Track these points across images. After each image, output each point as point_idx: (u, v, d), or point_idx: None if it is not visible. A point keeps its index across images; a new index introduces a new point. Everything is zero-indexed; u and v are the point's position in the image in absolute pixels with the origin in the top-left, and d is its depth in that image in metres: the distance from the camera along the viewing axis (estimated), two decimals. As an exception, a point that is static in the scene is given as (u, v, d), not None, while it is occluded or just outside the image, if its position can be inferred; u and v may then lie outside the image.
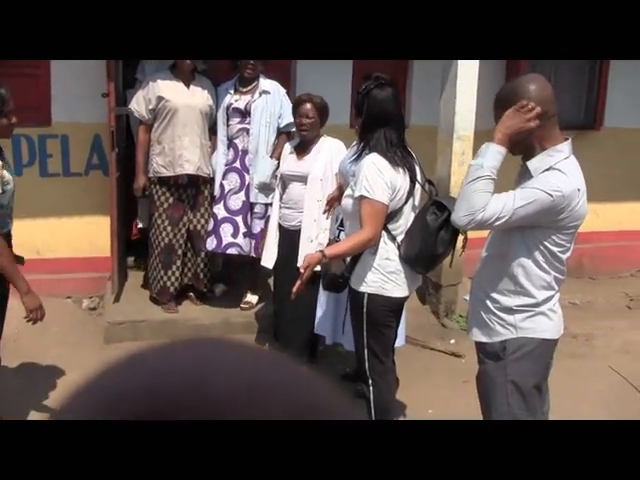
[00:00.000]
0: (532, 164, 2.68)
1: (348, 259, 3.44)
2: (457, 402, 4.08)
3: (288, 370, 0.51)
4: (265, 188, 4.99)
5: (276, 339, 4.86)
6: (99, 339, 5.02)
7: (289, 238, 4.47)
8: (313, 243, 4.31)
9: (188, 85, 5.06)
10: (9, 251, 3.49)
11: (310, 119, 4.32)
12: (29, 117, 5.41)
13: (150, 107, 5.00)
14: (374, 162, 3.27)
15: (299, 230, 4.42)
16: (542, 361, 2.88)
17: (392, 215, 3.36)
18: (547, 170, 2.64)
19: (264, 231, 4.94)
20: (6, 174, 3.47)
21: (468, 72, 5.15)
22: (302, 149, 4.46)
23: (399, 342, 3.98)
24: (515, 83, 2.77)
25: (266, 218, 4.99)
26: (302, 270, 3.26)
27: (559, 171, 2.62)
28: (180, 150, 5.02)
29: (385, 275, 3.38)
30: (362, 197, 3.25)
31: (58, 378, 4.49)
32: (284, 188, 4.55)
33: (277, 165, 4.79)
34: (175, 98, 4.99)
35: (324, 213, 4.17)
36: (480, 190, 2.63)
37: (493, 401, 2.88)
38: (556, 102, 2.70)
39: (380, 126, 3.33)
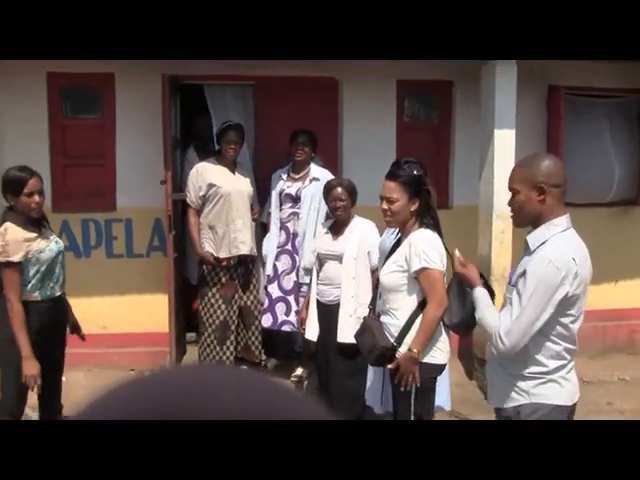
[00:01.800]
0: (530, 238, 2.88)
1: (391, 331, 3.64)
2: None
3: (269, 387, 0.55)
4: (310, 270, 5.36)
5: None
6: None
7: (326, 313, 4.76)
8: (352, 317, 4.58)
9: (233, 171, 5.50)
10: (21, 317, 3.87)
11: (343, 202, 4.64)
12: (97, 203, 5.98)
13: (200, 194, 5.43)
14: (427, 236, 3.56)
15: (335, 305, 4.69)
16: None
17: None
18: (543, 244, 2.81)
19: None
20: (42, 244, 3.96)
21: (505, 153, 5.38)
22: (336, 230, 4.76)
23: (446, 406, 4.15)
24: (533, 156, 3.01)
25: None
26: (407, 379, 3.54)
27: (553, 243, 2.80)
28: (235, 233, 5.43)
29: (434, 344, 3.60)
30: (423, 269, 3.50)
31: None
32: (320, 266, 4.84)
33: None
34: (225, 184, 5.41)
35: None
36: (486, 317, 2.93)
37: None
38: (566, 181, 2.89)
39: (429, 206, 3.65)
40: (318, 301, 4.89)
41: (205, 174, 5.45)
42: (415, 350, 3.52)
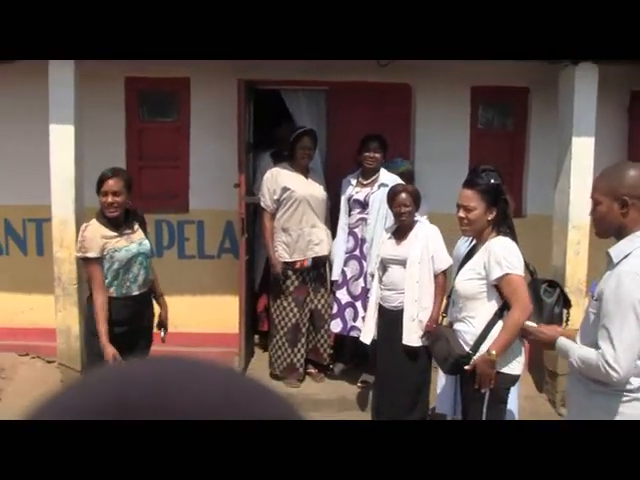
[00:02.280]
0: (613, 251, 2.82)
1: (467, 339, 3.68)
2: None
3: (244, 384, 0.56)
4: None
5: (376, 413, 5.16)
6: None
7: (390, 318, 4.78)
8: (415, 321, 4.64)
9: (306, 177, 5.59)
10: (100, 308, 4.05)
11: (407, 207, 4.67)
12: (170, 204, 6.12)
13: (275, 197, 5.52)
14: (506, 243, 3.57)
15: (399, 310, 4.72)
16: None
17: None
18: (626, 257, 2.76)
19: None
20: (119, 243, 4.11)
21: (583, 162, 5.31)
22: (400, 234, 4.79)
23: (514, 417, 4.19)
24: (617, 166, 2.98)
25: None
26: (485, 381, 3.56)
27: (638, 256, 2.74)
28: (310, 236, 5.52)
29: (509, 354, 3.60)
30: (505, 275, 3.50)
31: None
32: (384, 271, 4.86)
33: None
34: (299, 188, 5.50)
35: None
36: (584, 359, 2.83)
37: None
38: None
39: (506, 215, 3.66)
40: (381, 306, 4.92)
41: (280, 178, 5.54)
42: (494, 352, 3.52)
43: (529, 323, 3.33)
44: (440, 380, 4.56)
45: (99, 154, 5.52)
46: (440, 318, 4.34)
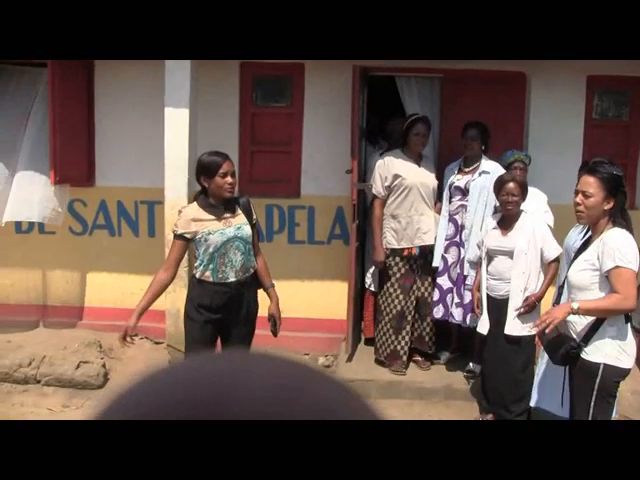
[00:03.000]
0: None
1: (577, 330, 3.73)
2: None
3: (310, 378, 0.55)
4: (474, 262, 5.41)
5: (487, 401, 5.24)
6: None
7: (497, 307, 4.87)
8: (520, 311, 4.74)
9: (418, 164, 5.66)
10: (157, 284, 4.20)
11: (515, 197, 4.72)
12: (281, 189, 6.27)
13: (386, 184, 5.62)
14: (623, 235, 3.61)
15: (505, 299, 4.81)
16: None
17: None
18: None
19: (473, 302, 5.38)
20: (214, 226, 4.20)
21: None
22: (505, 225, 4.85)
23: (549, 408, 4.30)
24: None
25: None
26: (548, 320, 3.61)
27: None
28: (418, 224, 5.60)
29: (621, 346, 3.65)
30: (616, 267, 3.53)
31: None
32: (489, 261, 4.94)
33: None
34: (410, 176, 5.58)
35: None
36: None
37: None
38: None
39: (623, 208, 3.71)
40: (488, 295, 4.99)
41: (391, 165, 5.63)
42: (577, 305, 3.57)
43: None
44: (545, 373, 4.63)
45: (213, 138, 5.70)
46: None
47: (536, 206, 5.12)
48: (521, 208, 4.85)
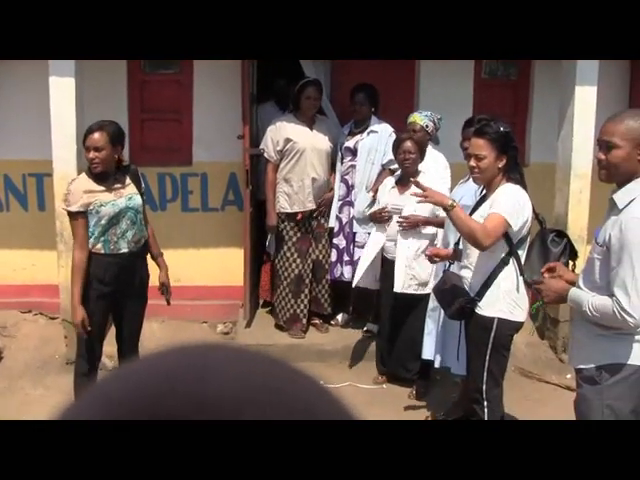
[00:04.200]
0: (617, 197, 2.98)
1: (471, 285, 3.90)
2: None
3: (283, 373, 0.55)
4: (363, 219, 5.66)
5: (382, 363, 5.50)
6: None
7: (391, 268, 5.05)
8: (407, 268, 4.95)
9: (311, 127, 5.79)
10: (78, 265, 4.21)
11: (412, 154, 4.90)
12: (173, 158, 6.33)
13: (278, 148, 5.74)
14: (514, 191, 3.77)
15: None
16: (638, 387, 3.08)
17: (522, 241, 3.83)
18: (631, 202, 2.93)
19: None
20: (105, 197, 4.21)
21: (586, 110, 5.53)
22: (404, 183, 5.01)
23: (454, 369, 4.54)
24: (636, 112, 3.14)
25: None
26: (429, 195, 3.74)
27: None
28: (309, 188, 5.76)
29: (514, 300, 3.84)
30: (495, 213, 3.68)
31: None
32: (387, 222, 5.12)
33: (372, 198, 5.45)
34: (301, 140, 5.71)
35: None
36: (598, 308, 2.99)
37: None
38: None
39: (516, 162, 3.89)
40: (385, 257, 5.18)
41: (283, 129, 5.75)
42: (451, 202, 3.68)
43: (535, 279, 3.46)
44: (428, 323, 4.89)
45: (101, 107, 5.66)
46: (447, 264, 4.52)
47: (434, 167, 5.28)
48: (419, 168, 5.02)
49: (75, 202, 4.18)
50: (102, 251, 4.27)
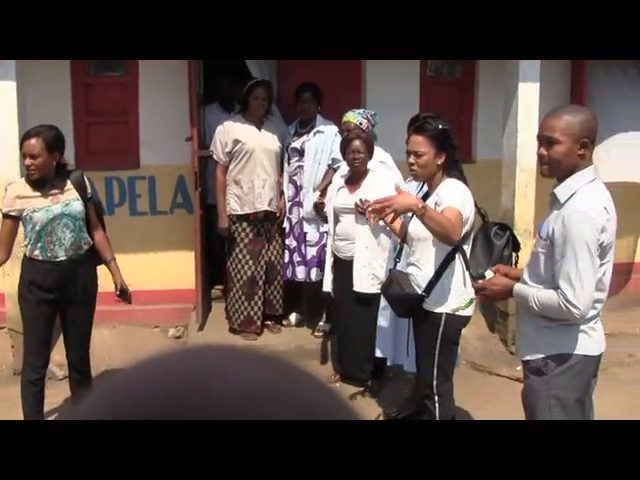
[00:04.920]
0: (558, 191, 3.07)
1: (419, 282, 3.97)
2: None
3: (290, 374, 0.56)
4: (312, 219, 5.78)
5: (339, 362, 5.61)
6: (183, 365, 5.81)
7: (345, 268, 5.13)
8: (366, 268, 5.02)
9: (260, 128, 5.87)
10: None
11: (361, 154, 4.98)
12: (120, 161, 6.35)
13: (227, 150, 5.81)
14: (456, 184, 3.88)
15: (352, 260, 5.08)
16: (583, 376, 3.21)
17: (466, 236, 3.92)
18: (572, 196, 3.02)
19: (315, 258, 5.77)
20: (39, 203, 4.23)
21: (530, 107, 5.73)
22: (353, 183, 5.12)
23: (457, 363, 4.56)
24: (574, 108, 3.28)
25: (320, 246, 5.78)
26: (389, 205, 3.58)
27: (583, 194, 3.00)
28: (259, 189, 5.83)
29: (461, 295, 3.94)
30: (450, 207, 3.73)
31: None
32: (337, 221, 5.21)
33: (320, 198, 5.55)
34: (250, 141, 5.78)
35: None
36: (544, 302, 3.09)
37: (536, 414, 3.25)
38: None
39: (455, 160, 3.98)
40: (336, 256, 5.26)
41: (231, 130, 5.81)
42: (422, 205, 3.57)
43: (479, 281, 3.49)
44: (380, 321, 5.01)
45: (45, 111, 5.61)
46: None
47: (374, 165, 5.34)
48: (368, 167, 5.11)
49: (8, 205, 4.23)
50: (40, 257, 4.29)
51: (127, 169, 6.39)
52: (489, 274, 3.44)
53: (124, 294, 4.66)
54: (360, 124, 5.30)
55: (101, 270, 4.67)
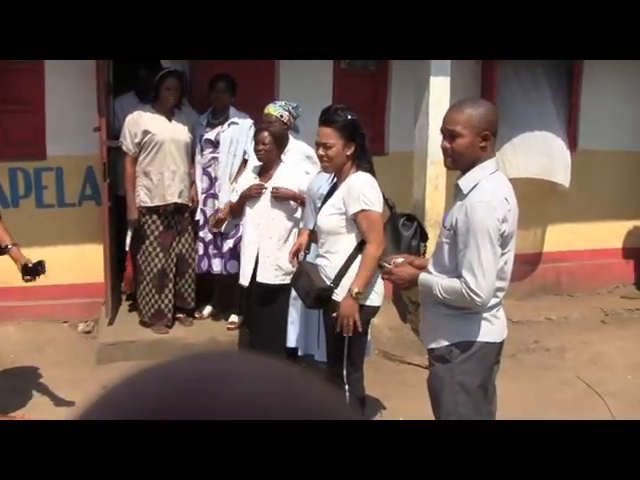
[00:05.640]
0: (462, 182, 3.18)
1: (327, 273, 4.03)
2: (428, 411, 4.84)
3: (297, 380, 0.57)
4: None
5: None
6: (92, 360, 5.75)
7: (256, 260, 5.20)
8: (270, 259, 5.11)
9: (170, 119, 5.88)
10: None
11: (265, 145, 5.06)
12: (25, 151, 6.25)
13: (136, 140, 5.80)
14: (366, 179, 3.94)
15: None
16: (486, 362, 3.33)
17: None
18: (474, 187, 3.12)
19: (232, 250, 5.82)
20: None
21: (441, 100, 5.86)
22: (264, 174, 5.21)
23: (368, 352, 4.69)
24: (475, 101, 3.40)
25: (236, 237, 5.83)
26: (347, 322, 3.86)
27: (485, 186, 3.11)
28: (168, 181, 5.83)
29: (370, 286, 3.99)
30: (362, 211, 3.84)
31: (51, 396, 5.09)
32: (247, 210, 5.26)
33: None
34: (160, 131, 5.79)
35: (290, 262, 4.74)
36: (447, 290, 3.19)
37: (442, 401, 3.36)
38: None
39: (365, 149, 4.04)
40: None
41: (141, 121, 5.81)
42: (356, 290, 3.85)
43: (386, 265, 3.58)
44: (291, 312, 5.10)
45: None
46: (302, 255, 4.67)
47: (295, 158, 5.41)
48: (281, 158, 5.18)
49: None
50: None
51: (33, 160, 6.29)
52: (399, 260, 3.54)
53: (32, 270, 4.34)
54: (281, 116, 5.38)
55: (3, 263, 4.50)
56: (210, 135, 5.94)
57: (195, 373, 0.55)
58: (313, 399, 0.56)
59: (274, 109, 5.43)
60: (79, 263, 6.39)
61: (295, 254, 4.63)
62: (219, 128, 5.92)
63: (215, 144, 5.92)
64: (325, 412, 0.55)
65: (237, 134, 5.83)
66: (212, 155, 5.96)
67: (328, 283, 4.02)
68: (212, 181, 6.00)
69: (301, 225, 5.11)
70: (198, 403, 0.52)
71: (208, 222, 6.02)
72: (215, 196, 5.98)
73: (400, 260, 3.55)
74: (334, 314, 3.93)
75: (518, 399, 4.88)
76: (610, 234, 7.79)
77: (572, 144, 7.39)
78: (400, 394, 5.29)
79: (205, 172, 6.03)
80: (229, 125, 5.89)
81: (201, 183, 6.03)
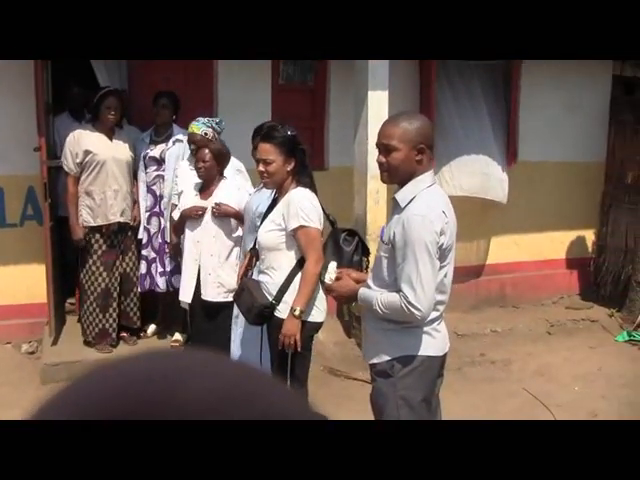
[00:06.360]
0: (399, 196, 3.21)
1: (269, 290, 4.10)
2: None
3: (254, 377, 0.58)
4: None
5: None
6: (36, 380, 5.79)
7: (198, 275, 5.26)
8: (211, 276, 5.17)
9: (111, 138, 5.96)
10: None
11: (205, 163, 5.14)
12: (-35, 172, 6.29)
13: (77, 160, 5.86)
14: (305, 195, 4.02)
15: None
16: (428, 376, 3.36)
17: None
18: (411, 200, 3.15)
19: (177, 266, 5.87)
20: None
21: (379, 114, 5.99)
22: (204, 190, 5.29)
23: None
24: (410, 115, 3.37)
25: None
26: (289, 341, 3.96)
27: (422, 199, 3.14)
28: (111, 200, 5.92)
29: (312, 302, 4.07)
30: (300, 227, 3.90)
31: (-5, 416, 5.21)
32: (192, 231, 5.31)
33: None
34: (101, 151, 5.86)
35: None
36: (386, 305, 3.24)
37: (385, 416, 3.35)
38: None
39: (305, 165, 4.12)
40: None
41: (82, 141, 5.87)
42: (298, 308, 3.94)
43: (326, 281, 3.65)
44: (235, 329, 5.18)
45: None
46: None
47: (231, 174, 5.50)
48: (224, 174, 5.27)
49: None
50: None
51: (-28, 180, 6.32)
52: (333, 269, 3.62)
53: None
54: (205, 134, 5.44)
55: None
56: (155, 153, 6.04)
57: (152, 372, 0.56)
58: (270, 394, 0.57)
59: (197, 127, 5.48)
60: (21, 283, 6.44)
61: (243, 277, 4.64)
62: (163, 145, 6.02)
63: (160, 161, 6.02)
64: (282, 407, 0.57)
65: (182, 151, 5.92)
66: (157, 173, 6.06)
67: (270, 299, 4.09)
68: (157, 199, 6.10)
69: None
70: (155, 401, 0.52)
71: (152, 241, 6.10)
72: (160, 214, 6.07)
73: (334, 269, 3.63)
74: (280, 336, 3.99)
75: (464, 412, 4.90)
76: (554, 245, 8.02)
77: (512, 156, 7.62)
78: (345, 409, 5.32)
79: (149, 190, 6.12)
80: (174, 142, 5.99)
81: (145, 201, 6.12)
